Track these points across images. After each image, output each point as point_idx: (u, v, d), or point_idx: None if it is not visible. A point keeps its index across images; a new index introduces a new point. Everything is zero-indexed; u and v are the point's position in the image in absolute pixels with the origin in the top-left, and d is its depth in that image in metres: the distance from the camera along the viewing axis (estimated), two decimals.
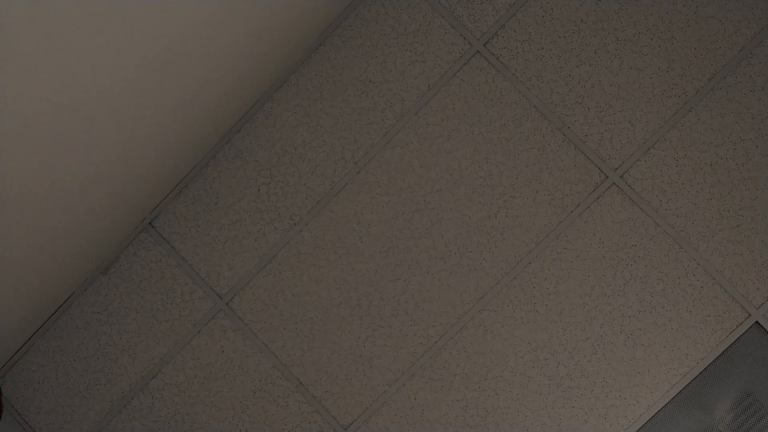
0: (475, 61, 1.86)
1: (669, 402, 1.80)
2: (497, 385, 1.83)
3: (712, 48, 1.83)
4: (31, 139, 1.15)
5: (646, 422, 1.80)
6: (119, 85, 1.26)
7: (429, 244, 1.85)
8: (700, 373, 1.80)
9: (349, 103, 1.88)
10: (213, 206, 1.89)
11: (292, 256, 1.87)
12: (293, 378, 1.86)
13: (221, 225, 1.88)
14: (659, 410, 1.80)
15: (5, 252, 1.41)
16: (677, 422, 1.80)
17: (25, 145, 1.15)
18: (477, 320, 1.84)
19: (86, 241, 1.69)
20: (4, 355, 1.84)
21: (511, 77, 1.85)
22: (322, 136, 1.88)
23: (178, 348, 1.88)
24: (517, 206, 1.85)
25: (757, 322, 1.79)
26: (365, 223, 1.87)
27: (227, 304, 1.88)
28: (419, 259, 1.84)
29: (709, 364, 1.80)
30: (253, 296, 1.87)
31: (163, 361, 1.88)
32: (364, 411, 1.84)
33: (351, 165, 1.87)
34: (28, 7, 0.91)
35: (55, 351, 1.88)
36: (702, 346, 1.80)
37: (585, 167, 1.84)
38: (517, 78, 1.85)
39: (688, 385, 1.80)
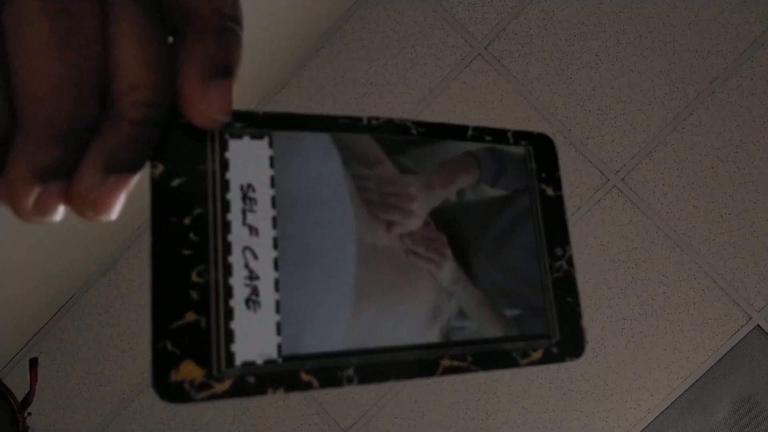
0: (477, 63, 1.86)
1: (670, 405, 1.79)
2: (498, 387, 1.83)
3: (714, 51, 1.83)
4: None
5: (647, 425, 1.79)
6: None
7: None
8: (701, 376, 1.79)
9: (351, 106, 1.88)
10: None
11: None
12: None
13: None
14: (660, 413, 1.79)
15: (5, 253, 1.41)
16: (678, 426, 1.79)
17: None
18: None
19: (87, 241, 1.69)
20: (4, 357, 1.84)
21: (512, 80, 1.85)
22: None
23: None
24: None
25: (758, 325, 1.79)
26: None
27: None
28: None
29: (710, 368, 1.79)
30: None
31: None
32: (365, 413, 1.84)
33: None
34: None
35: (56, 352, 1.88)
36: (703, 349, 1.80)
37: (586, 170, 1.84)
38: (519, 80, 1.85)
39: (689, 388, 1.79)
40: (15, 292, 1.58)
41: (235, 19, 0.21)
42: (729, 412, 1.78)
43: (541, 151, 0.28)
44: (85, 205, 0.20)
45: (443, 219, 0.26)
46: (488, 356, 0.25)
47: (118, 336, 1.88)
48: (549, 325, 0.27)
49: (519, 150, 0.28)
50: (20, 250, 1.45)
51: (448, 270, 0.25)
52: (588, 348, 1.81)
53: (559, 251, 0.28)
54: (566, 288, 0.27)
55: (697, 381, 1.79)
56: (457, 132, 0.27)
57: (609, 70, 1.84)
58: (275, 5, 1.56)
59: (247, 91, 1.79)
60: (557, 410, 1.82)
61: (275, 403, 1.85)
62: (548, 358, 0.26)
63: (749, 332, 1.78)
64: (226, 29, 0.21)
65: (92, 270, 1.87)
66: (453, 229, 0.26)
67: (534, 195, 0.28)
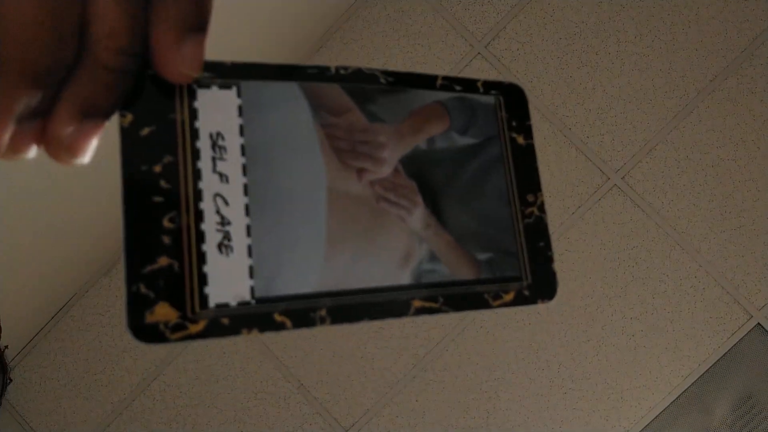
0: (477, 62, 1.86)
1: (670, 404, 1.80)
2: (498, 386, 1.83)
3: (714, 49, 1.83)
4: None
5: (648, 424, 1.80)
6: None
7: None
8: (702, 374, 1.79)
9: None
10: None
11: None
12: (294, 379, 1.86)
13: None
14: (661, 412, 1.80)
15: (6, 253, 1.41)
16: (678, 424, 1.79)
17: None
18: (478, 322, 1.84)
19: (88, 242, 1.69)
20: (5, 356, 1.84)
21: (512, 78, 1.85)
22: None
23: (179, 349, 1.88)
24: None
25: (759, 323, 1.79)
26: None
27: None
28: None
29: (711, 366, 1.79)
30: None
31: (164, 362, 1.88)
32: (366, 412, 1.84)
33: None
34: None
35: (57, 352, 1.88)
36: (703, 347, 1.80)
37: (586, 169, 1.84)
38: (519, 79, 1.85)
39: (689, 387, 1.80)
40: (16, 292, 1.58)
41: None
42: (729, 411, 1.78)
43: (512, 100, 0.29)
44: (60, 148, 0.21)
45: (413, 166, 0.26)
46: (459, 297, 0.26)
47: (119, 336, 1.88)
48: (520, 268, 0.27)
49: (489, 99, 0.28)
50: (21, 250, 1.45)
51: (418, 215, 0.26)
52: (589, 345, 1.82)
53: (530, 197, 0.28)
54: (538, 233, 0.28)
55: (697, 379, 1.79)
56: (426, 81, 0.27)
57: (609, 69, 1.84)
58: (275, 5, 1.56)
59: None
60: (558, 409, 1.82)
61: (276, 403, 1.86)
62: (520, 300, 0.27)
63: (750, 331, 1.79)
64: None
65: (93, 270, 1.87)
66: (423, 175, 0.26)
67: (504, 143, 0.28)
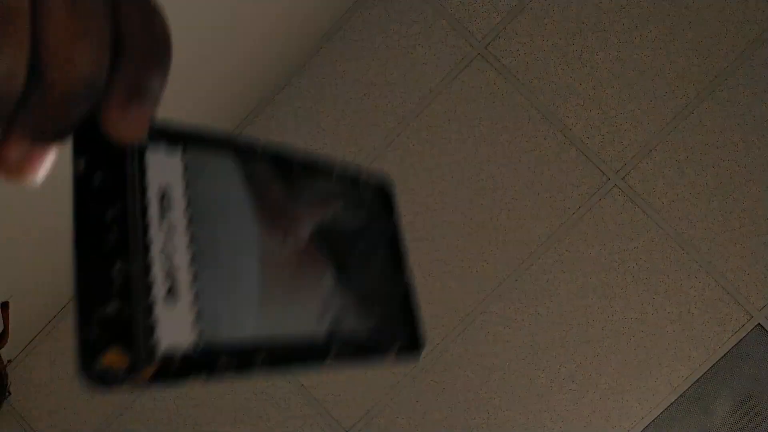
0: (477, 63, 1.86)
1: (671, 404, 1.80)
2: (499, 387, 1.83)
3: (714, 50, 1.82)
4: None
5: (648, 424, 1.80)
6: None
7: (430, 246, 1.85)
8: (702, 375, 1.79)
9: (351, 106, 1.88)
10: None
11: None
12: (295, 380, 1.86)
13: None
14: (661, 413, 1.80)
15: (7, 254, 1.41)
16: (679, 424, 1.79)
17: None
18: (479, 322, 1.84)
19: None
20: (6, 357, 1.84)
21: (512, 79, 1.85)
22: (324, 139, 1.88)
23: None
24: (519, 208, 1.84)
25: (759, 324, 1.79)
26: None
27: None
28: (420, 262, 1.84)
29: (711, 367, 1.79)
30: None
31: None
32: (366, 413, 1.84)
33: None
34: None
35: (58, 353, 1.89)
36: (704, 348, 1.80)
37: (587, 169, 1.83)
38: (519, 80, 1.85)
39: (690, 387, 1.79)
40: (17, 292, 1.59)
41: (165, 43, 0.22)
42: (730, 411, 1.78)
43: (384, 194, 0.36)
44: (10, 171, 0.21)
45: (323, 237, 0.32)
46: (359, 353, 0.30)
47: None
48: (400, 330, 0.33)
49: (372, 189, 0.35)
50: (21, 251, 1.45)
51: (328, 278, 0.31)
52: (589, 346, 1.82)
53: (406, 270, 0.35)
54: (411, 298, 0.34)
55: (698, 380, 1.79)
56: (324, 171, 0.32)
57: (609, 69, 1.84)
58: (276, 6, 1.56)
59: (248, 92, 1.80)
60: (558, 409, 1.82)
61: (277, 404, 1.86)
62: (399, 358, 0.32)
63: (750, 331, 1.79)
64: (153, 52, 0.21)
65: None
66: (330, 245, 0.32)
67: (386, 227, 0.35)
